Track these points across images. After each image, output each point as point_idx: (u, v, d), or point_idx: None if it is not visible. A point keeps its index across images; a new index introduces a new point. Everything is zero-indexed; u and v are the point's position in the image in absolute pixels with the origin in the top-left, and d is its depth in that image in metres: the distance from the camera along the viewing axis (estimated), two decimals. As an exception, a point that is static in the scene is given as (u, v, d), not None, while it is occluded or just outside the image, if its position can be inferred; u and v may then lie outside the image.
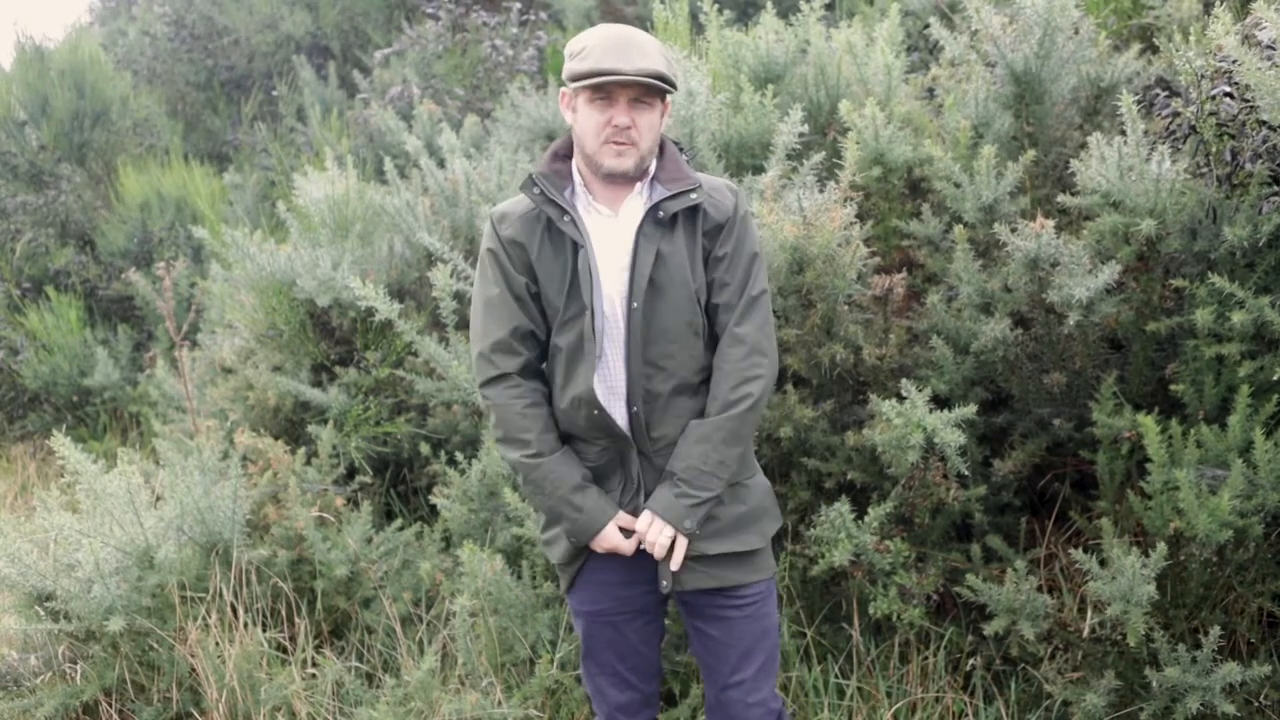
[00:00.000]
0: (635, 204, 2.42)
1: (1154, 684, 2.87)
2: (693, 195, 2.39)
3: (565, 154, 2.49)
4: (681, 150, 2.53)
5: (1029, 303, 3.24)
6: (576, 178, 2.44)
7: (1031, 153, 3.38)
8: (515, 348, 2.43)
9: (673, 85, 2.33)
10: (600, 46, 2.30)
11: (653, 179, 2.43)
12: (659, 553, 2.40)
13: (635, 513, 2.45)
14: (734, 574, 2.49)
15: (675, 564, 2.41)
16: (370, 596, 3.87)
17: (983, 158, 3.31)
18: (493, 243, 2.46)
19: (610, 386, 2.41)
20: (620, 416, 2.41)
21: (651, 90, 2.33)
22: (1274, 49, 3.03)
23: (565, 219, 2.37)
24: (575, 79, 2.32)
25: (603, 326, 2.39)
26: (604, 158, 2.36)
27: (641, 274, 2.36)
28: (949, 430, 2.93)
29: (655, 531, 2.39)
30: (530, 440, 2.41)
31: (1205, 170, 3.14)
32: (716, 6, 4.26)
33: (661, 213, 2.38)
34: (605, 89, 2.30)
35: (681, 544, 2.40)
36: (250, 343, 5.06)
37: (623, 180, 2.40)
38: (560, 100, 2.46)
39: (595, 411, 2.38)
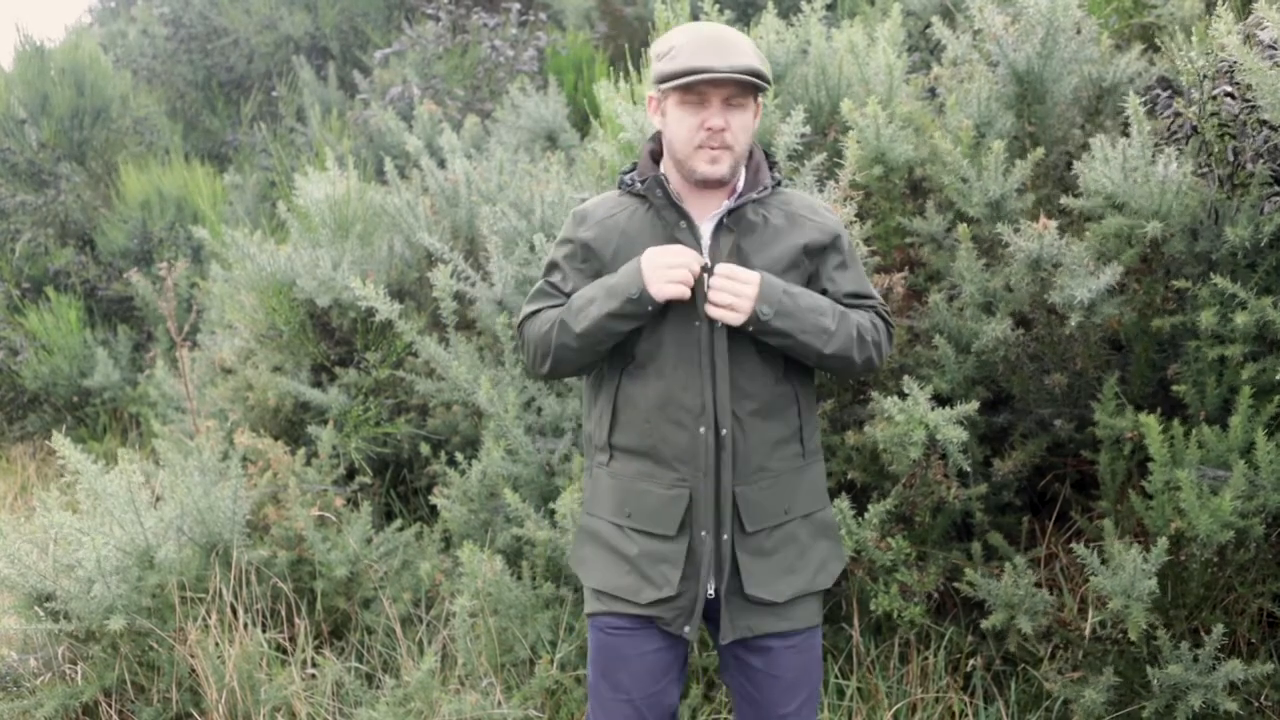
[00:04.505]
0: (715, 220, 2.34)
1: (1155, 682, 2.87)
2: (754, 196, 2.31)
3: (656, 159, 2.40)
4: (773, 165, 2.42)
5: (1030, 303, 3.24)
6: (670, 187, 2.32)
7: (1040, 150, 3.37)
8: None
9: (768, 82, 2.23)
10: (691, 44, 2.19)
11: (737, 194, 2.33)
12: (723, 297, 2.19)
13: (694, 595, 2.31)
14: (802, 616, 2.38)
15: (713, 313, 2.21)
16: (370, 597, 3.86)
17: (991, 153, 3.30)
18: (564, 243, 2.42)
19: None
20: (706, 439, 2.28)
21: (746, 89, 2.22)
22: (1275, 49, 3.03)
23: (683, 225, 2.29)
24: (664, 80, 2.21)
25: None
26: (697, 163, 2.25)
27: (706, 288, 2.26)
28: (950, 427, 2.92)
29: (743, 283, 2.19)
30: (556, 312, 2.34)
31: (1207, 170, 3.13)
32: (717, 6, 4.26)
33: (727, 221, 2.30)
34: (697, 89, 2.20)
35: (734, 318, 2.21)
36: (250, 343, 5.06)
37: (716, 186, 2.30)
38: (647, 105, 2.36)
39: (702, 429, 2.28)
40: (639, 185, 2.36)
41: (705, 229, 2.32)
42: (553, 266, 2.44)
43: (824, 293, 2.37)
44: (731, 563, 2.31)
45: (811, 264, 2.37)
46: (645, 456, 2.33)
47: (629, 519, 2.35)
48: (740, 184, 2.34)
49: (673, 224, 2.31)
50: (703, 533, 2.29)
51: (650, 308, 2.23)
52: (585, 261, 2.38)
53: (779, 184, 2.39)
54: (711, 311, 2.22)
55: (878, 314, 2.43)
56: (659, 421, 2.30)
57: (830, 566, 2.43)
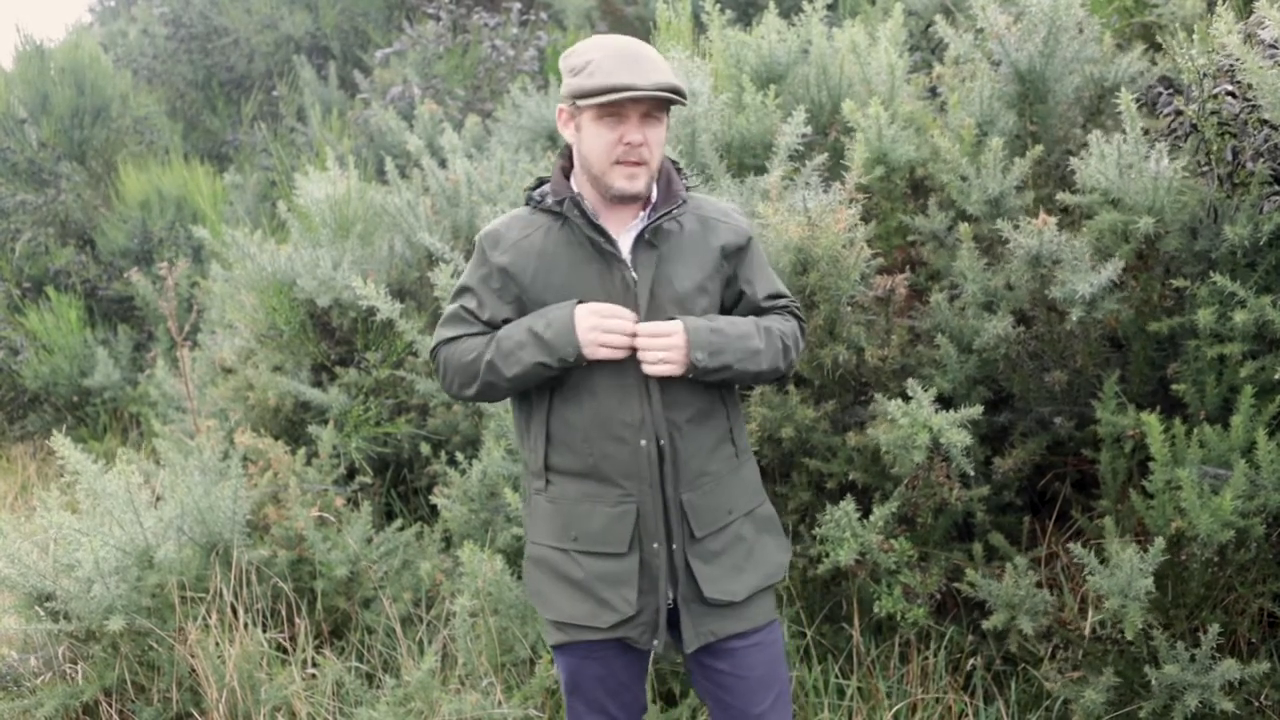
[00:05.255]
0: (632, 234, 2.33)
1: (1153, 682, 2.87)
2: (674, 211, 2.31)
3: (567, 174, 2.37)
4: (680, 171, 2.43)
5: (1030, 300, 3.24)
6: (586, 205, 2.29)
7: (1039, 148, 3.38)
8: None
9: (685, 98, 2.23)
10: (610, 61, 2.17)
11: (651, 207, 2.34)
12: (654, 355, 2.21)
13: (656, 609, 2.31)
14: (760, 612, 2.39)
15: (654, 370, 2.23)
16: (370, 597, 3.86)
17: (990, 150, 3.31)
18: (476, 269, 2.37)
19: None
20: (648, 451, 2.28)
21: (662, 105, 2.23)
22: (1276, 48, 3.03)
23: (603, 242, 2.27)
24: (583, 95, 2.18)
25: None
26: (614, 179, 2.24)
27: (642, 300, 2.28)
28: (954, 431, 2.91)
29: (670, 336, 2.22)
30: (480, 343, 2.31)
31: (1206, 169, 3.13)
32: (719, 6, 4.26)
33: (647, 235, 2.30)
34: (616, 105, 2.18)
35: (674, 370, 2.23)
36: (250, 343, 5.06)
37: (631, 202, 2.30)
38: (558, 117, 2.33)
39: (643, 441, 2.27)
40: (551, 202, 2.33)
41: (624, 242, 2.32)
42: (466, 291, 2.38)
43: (741, 295, 2.42)
44: (685, 570, 2.32)
45: (729, 266, 2.40)
46: (586, 476, 2.31)
47: (575, 542, 2.33)
48: (654, 196, 2.35)
49: (592, 241, 2.29)
50: (654, 545, 2.29)
51: (585, 364, 2.25)
52: (503, 286, 2.34)
53: (688, 190, 2.42)
54: (649, 370, 2.24)
55: (791, 313, 2.48)
56: (598, 439, 2.29)
57: (778, 559, 2.45)
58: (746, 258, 2.43)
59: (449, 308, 2.41)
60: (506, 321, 2.34)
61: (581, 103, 2.20)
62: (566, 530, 2.34)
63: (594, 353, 2.22)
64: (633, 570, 2.29)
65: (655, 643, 2.33)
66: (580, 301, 2.25)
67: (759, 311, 2.44)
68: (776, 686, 2.42)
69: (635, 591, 2.29)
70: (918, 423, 2.94)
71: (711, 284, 2.36)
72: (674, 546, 2.30)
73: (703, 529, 2.32)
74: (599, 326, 2.21)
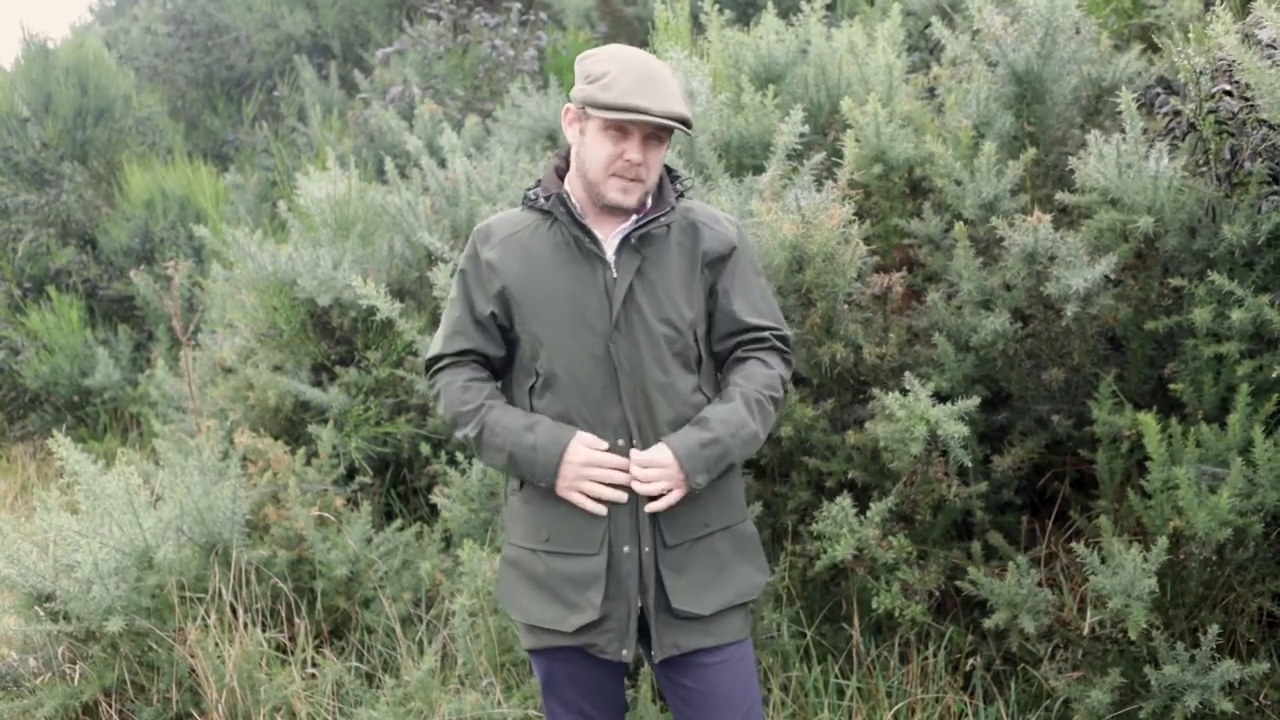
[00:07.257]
0: (619, 236, 2.35)
1: (1153, 682, 2.87)
2: (662, 219, 2.32)
3: (561, 175, 2.41)
4: (675, 178, 2.44)
5: (1027, 298, 3.24)
6: (573, 203, 2.33)
7: (1032, 150, 3.38)
8: (465, 350, 2.42)
9: (691, 127, 2.27)
10: (627, 79, 2.20)
11: (644, 210, 2.36)
12: (655, 487, 2.24)
13: (625, 615, 2.31)
14: (729, 630, 2.37)
15: (657, 505, 2.26)
16: (370, 596, 3.87)
17: (984, 154, 3.31)
18: (468, 262, 2.41)
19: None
20: (625, 452, 2.30)
21: (667, 129, 2.27)
22: (1274, 48, 3.03)
23: (588, 242, 2.30)
24: (595, 106, 2.21)
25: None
26: (609, 191, 2.28)
27: (615, 304, 2.29)
28: (951, 423, 2.91)
29: (664, 467, 2.24)
30: (474, 400, 2.35)
31: (1205, 169, 3.13)
32: (717, 6, 4.26)
33: (633, 240, 2.32)
34: (624, 123, 2.23)
35: (677, 495, 2.26)
36: (251, 342, 5.07)
37: (621, 213, 2.32)
38: (564, 115, 2.37)
39: (620, 441, 2.29)
40: (543, 201, 2.36)
41: (609, 244, 2.34)
42: (453, 301, 2.44)
43: (720, 304, 2.40)
44: (655, 578, 2.31)
45: (710, 274, 2.40)
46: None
47: (547, 543, 2.35)
48: (647, 203, 2.36)
49: (576, 240, 2.32)
50: (625, 548, 2.30)
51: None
52: (487, 280, 2.37)
53: (681, 195, 2.43)
54: (653, 507, 2.27)
55: (776, 349, 2.43)
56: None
57: (753, 579, 2.43)
58: (726, 267, 2.41)
59: (445, 316, 2.46)
60: (493, 316, 2.37)
61: (591, 111, 2.24)
62: (539, 531, 2.36)
63: (566, 495, 2.29)
64: (600, 571, 2.30)
65: (624, 653, 2.31)
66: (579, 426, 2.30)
67: (743, 331, 2.40)
68: (744, 706, 2.40)
69: (601, 594, 2.29)
70: (915, 415, 2.94)
71: (693, 292, 2.36)
72: (645, 549, 2.30)
73: (675, 537, 2.32)
74: (585, 476, 2.26)
